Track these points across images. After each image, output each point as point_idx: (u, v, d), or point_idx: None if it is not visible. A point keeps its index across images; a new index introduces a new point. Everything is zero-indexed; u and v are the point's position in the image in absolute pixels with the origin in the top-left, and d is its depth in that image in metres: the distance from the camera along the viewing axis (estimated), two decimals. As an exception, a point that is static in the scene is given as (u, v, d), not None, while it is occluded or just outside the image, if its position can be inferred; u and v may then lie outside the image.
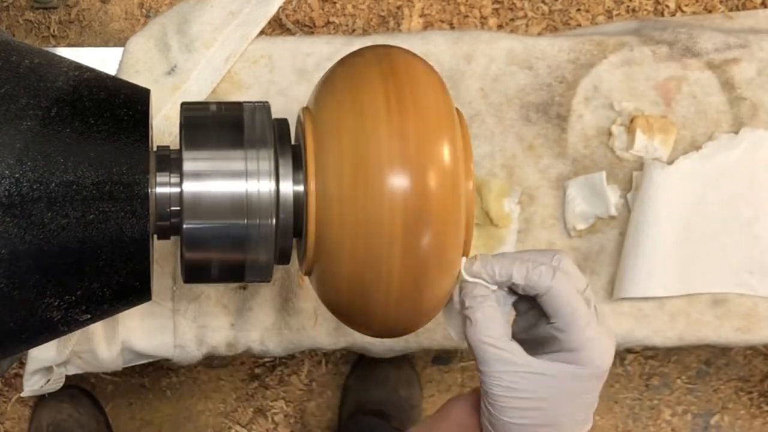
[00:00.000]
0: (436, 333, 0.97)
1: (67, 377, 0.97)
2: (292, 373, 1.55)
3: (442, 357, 1.55)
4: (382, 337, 0.64)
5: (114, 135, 0.57)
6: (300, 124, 0.64)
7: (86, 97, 0.57)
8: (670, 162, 0.97)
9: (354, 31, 1.49)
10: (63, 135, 0.55)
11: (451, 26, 1.50)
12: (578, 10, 1.51)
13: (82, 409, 1.46)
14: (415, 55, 0.63)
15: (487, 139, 0.98)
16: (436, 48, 0.98)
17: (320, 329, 0.97)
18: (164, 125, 0.92)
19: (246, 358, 1.52)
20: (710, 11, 1.51)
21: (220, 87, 0.95)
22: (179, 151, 0.61)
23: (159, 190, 0.61)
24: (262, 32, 0.96)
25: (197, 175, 0.60)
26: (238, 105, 0.64)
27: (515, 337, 0.62)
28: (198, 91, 0.93)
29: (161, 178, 0.61)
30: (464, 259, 0.62)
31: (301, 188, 0.61)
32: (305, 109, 0.64)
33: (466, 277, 0.62)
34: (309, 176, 0.60)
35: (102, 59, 0.95)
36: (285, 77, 0.96)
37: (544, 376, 0.60)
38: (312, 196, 0.60)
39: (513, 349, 0.60)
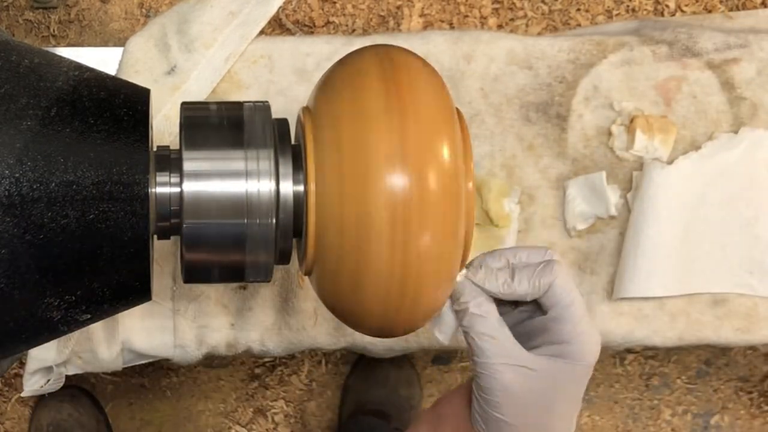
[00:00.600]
0: (436, 333, 0.97)
1: (67, 377, 0.97)
2: (292, 373, 1.55)
3: (442, 357, 1.55)
4: (381, 337, 0.64)
5: (114, 135, 0.57)
6: (300, 124, 0.64)
7: (86, 97, 0.57)
8: (670, 162, 0.97)
9: (354, 31, 1.49)
10: (63, 135, 0.55)
11: (451, 26, 1.50)
12: (578, 10, 1.51)
13: (82, 409, 1.46)
14: (415, 54, 0.63)
15: (487, 139, 0.98)
16: (436, 48, 0.98)
17: (320, 329, 0.97)
18: (164, 125, 0.92)
19: (246, 358, 1.52)
20: (710, 11, 1.51)
21: (220, 87, 0.95)
22: (179, 151, 0.61)
23: (159, 190, 0.61)
24: (261, 32, 0.96)
25: (197, 175, 0.60)
26: (238, 105, 0.64)
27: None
28: (198, 91, 0.93)
29: (161, 178, 0.61)
30: (464, 271, 0.63)
31: (301, 188, 0.61)
32: (305, 109, 0.64)
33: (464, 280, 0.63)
34: (309, 176, 0.60)
35: (102, 59, 0.95)
36: (285, 77, 0.96)
37: (535, 370, 0.61)
38: (312, 196, 0.60)
39: (509, 340, 0.61)
